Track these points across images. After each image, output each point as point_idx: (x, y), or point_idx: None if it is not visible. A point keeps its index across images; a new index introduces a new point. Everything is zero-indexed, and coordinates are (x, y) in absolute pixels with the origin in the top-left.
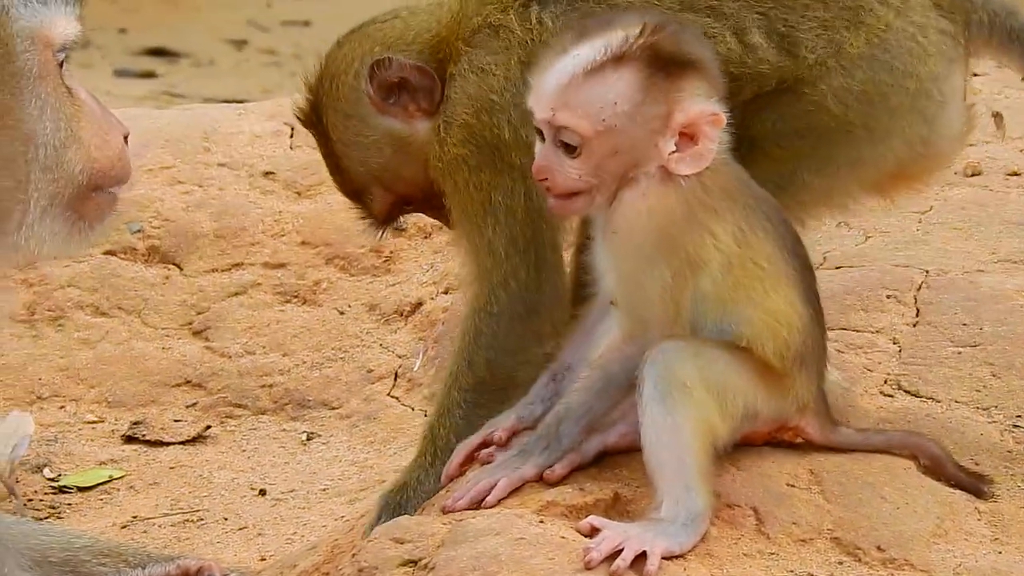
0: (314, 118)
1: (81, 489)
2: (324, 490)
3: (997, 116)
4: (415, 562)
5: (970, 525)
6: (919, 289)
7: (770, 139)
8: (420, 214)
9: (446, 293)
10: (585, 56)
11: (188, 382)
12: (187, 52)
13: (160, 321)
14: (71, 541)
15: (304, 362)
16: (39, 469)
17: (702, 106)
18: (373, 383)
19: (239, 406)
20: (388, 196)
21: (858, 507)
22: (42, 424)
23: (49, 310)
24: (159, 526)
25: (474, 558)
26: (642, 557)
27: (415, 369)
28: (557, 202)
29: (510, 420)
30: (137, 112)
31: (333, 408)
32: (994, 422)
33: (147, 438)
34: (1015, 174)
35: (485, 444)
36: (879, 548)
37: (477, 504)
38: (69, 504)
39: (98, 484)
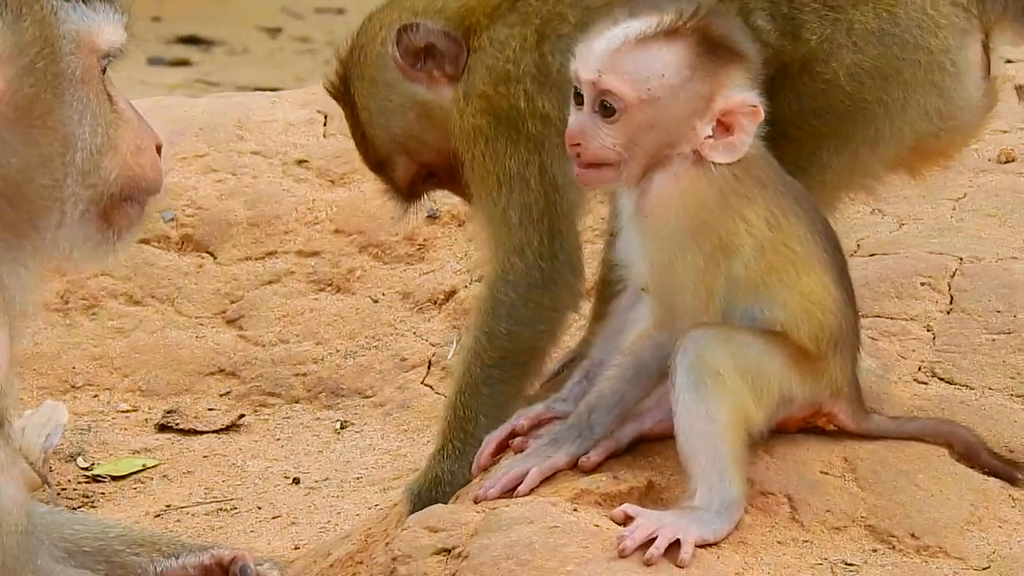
0: (343, 88)
1: (115, 478)
2: (358, 479)
3: (1020, 89)
4: (449, 550)
5: (1004, 512)
6: (953, 276)
7: (788, 121)
8: (449, 197)
9: (479, 281)
10: (638, 26)
11: (222, 371)
12: (221, 40)
13: (194, 310)
14: (105, 531)
15: (338, 351)
16: (72, 458)
17: (744, 96)
18: (407, 371)
19: (273, 395)
20: (411, 165)
21: (892, 494)
22: (76, 413)
23: (83, 299)
24: (192, 515)
25: (508, 546)
26: (676, 545)
27: (449, 357)
28: (584, 171)
29: (538, 408)
30: (171, 100)
31: (367, 396)
32: None
33: (181, 427)
34: None
35: (515, 434)
36: (913, 535)
37: (509, 493)
38: (102, 493)
39: (131, 473)
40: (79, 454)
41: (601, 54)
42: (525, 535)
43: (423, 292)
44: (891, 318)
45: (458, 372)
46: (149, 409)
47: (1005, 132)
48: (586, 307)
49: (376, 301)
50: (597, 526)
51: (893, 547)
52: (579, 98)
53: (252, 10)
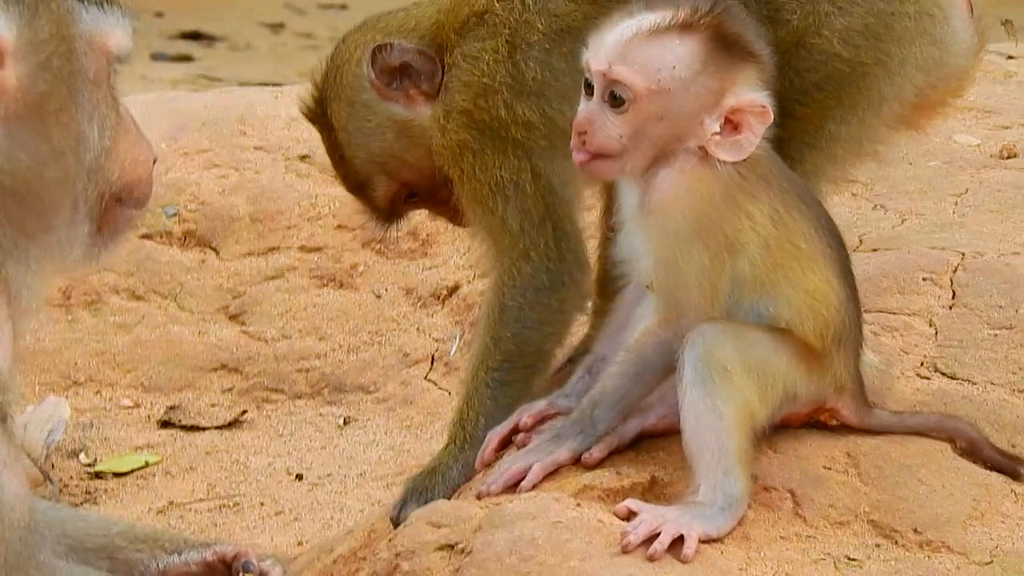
0: (319, 111)
1: (117, 474)
2: (361, 474)
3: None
4: (452, 546)
5: (1007, 507)
6: (955, 271)
7: (791, 99)
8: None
9: (483, 276)
10: (652, 19)
11: (224, 367)
12: (223, 36)
13: (196, 305)
14: (107, 527)
15: (340, 346)
16: (75, 454)
17: (754, 96)
18: (410, 367)
19: (275, 390)
20: (391, 185)
21: (895, 489)
22: (78, 409)
23: (85, 294)
24: (195, 511)
25: (511, 542)
26: (679, 541)
27: (452, 353)
28: (588, 161)
29: (541, 404)
30: (173, 95)
31: (370, 392)
32: None
33: (183, 423)
34: None
35: (517, 430)
36: (916, 530)
37: (511, 488)
38: (105, 490)
39: (134, 469)
40: (81, 450)
41: (613, 45)
42: (528, 531)
43: (426, 287)
44: (893, 313)
45: (465, 377)
46: (151, 405)
47: (1007, 128)
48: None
49: (379, 296)
50: (600, 522)
51: (896, 542)
52: (589, 89)
53: (255, 6)
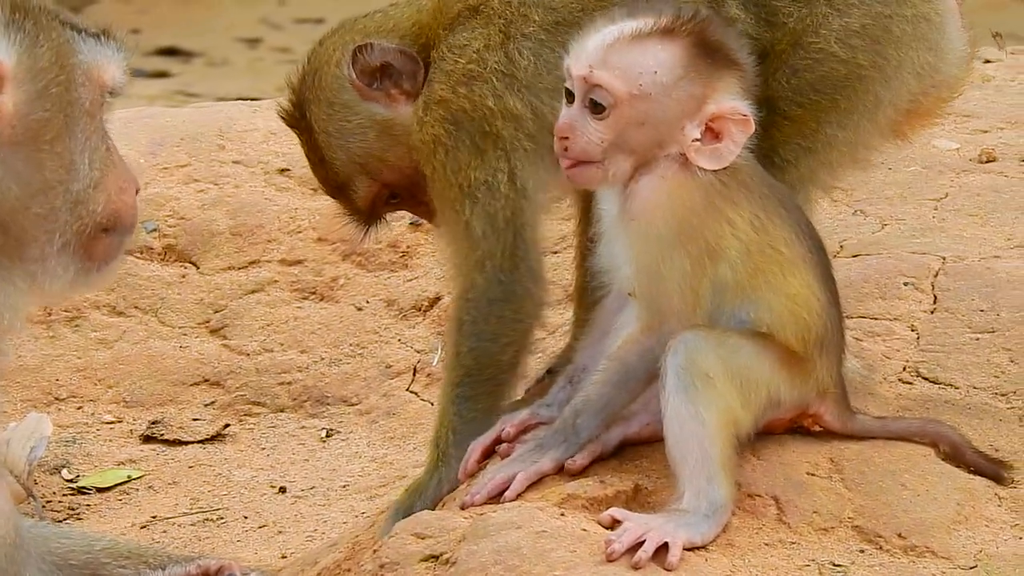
0: (297, 115)
1: (100, 490)
2: (344, 487)
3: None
4: (436, 557)
5: (990, 511)
6: (936, 276)
7: (788, 99)
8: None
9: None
10: (633, 24)
11: (206, 380)
12: (201, 51)
13: (177, 320)
14: (91, 543)
15: (322, 359)
16: (57, 470)
17: (735, 104)
18: (392, 379)
19: (257, 404)
20: (372, 185)
21: (878, 495)
22: (60, 425)
23: (66, 311)
24: (179, 526)
25: (495, 552)
26: (664, 548)
27: (434, 364)
28: (571, 170)
29: (523, 414)
30: (152, 111)
31: (352, 404)
32: (1012, 408)
33: (165, 437)
34: None
35: (500, 440)
36: (900, 535)
37: (495, 498)
38: (88, 505)
39: (117, 484)
40: (64, 466)
41: (594, 50)
42: (512, 540)
43: (407, 299)
44: (875, 318)
45: (439, 393)
46: (134, 420)
47: (986, 132)
48: (552, 316)
49: (360, 309)
50: (584, 530)
51: (880, 547)
52: (570, 95)
53: (231, 21)
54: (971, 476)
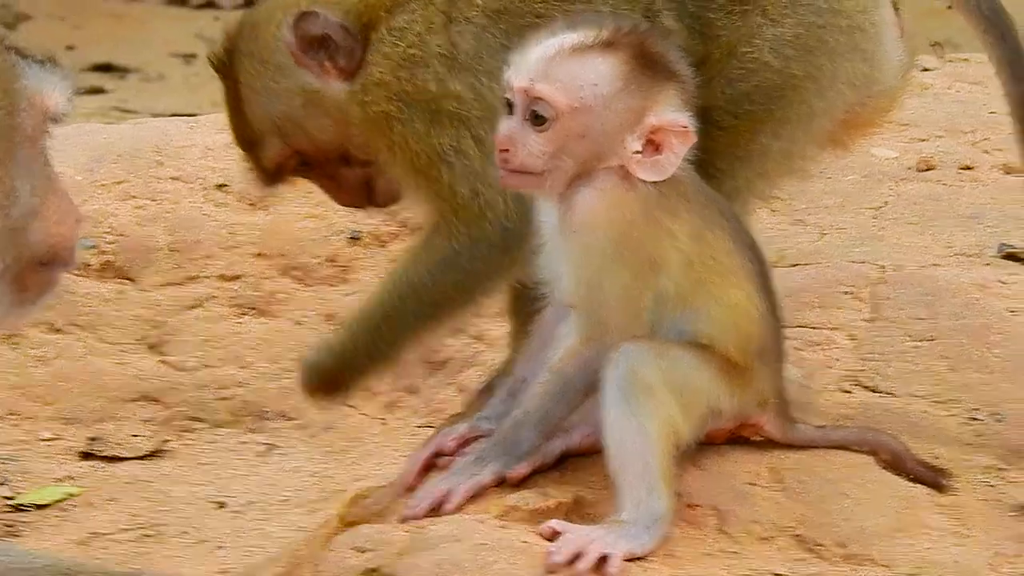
0: (227, 63)
1: (39, 507)
2: (284, 501)
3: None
4: (376, 570)
5: (931, 519)
6: (875, 285)
7: (723, 109)
8: (370, 219)
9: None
10: (574, 37)
11: (145, 397)
12: (136, 67)
13: (116, 336)
14: (31, 561)
15: (262, 374)
16: None
17: (675, 116)
18: None
19: (197, 419)
20: (284, 149)
21: (819, 504)
22: None
23: (3, 328)
24: (118, 542)
25: (436, 565)
26: (604, 560)
27: None
28: (510, 176)
29: (462, 428)
30: (89, 127)
31: (291, 419)
32: (952, 415)
33: (104, 454)
34: (968, 168)
35: (440, 453)
36: (840, 544)
37: (435, 511)
38: (27, 522)
39: (56, 501)
40: (2, 483)
41: (535, 62)
42: (453, 553)
43: (346, 314)
44: (814, 328)
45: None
46: (72, 437)
47: (924, 140)
48: (492, 329)
49: (299, 324)
50: (525, 542)
51: (821, 556)
52: (510, 107)
53: (166, 37)
54: (911, 484)
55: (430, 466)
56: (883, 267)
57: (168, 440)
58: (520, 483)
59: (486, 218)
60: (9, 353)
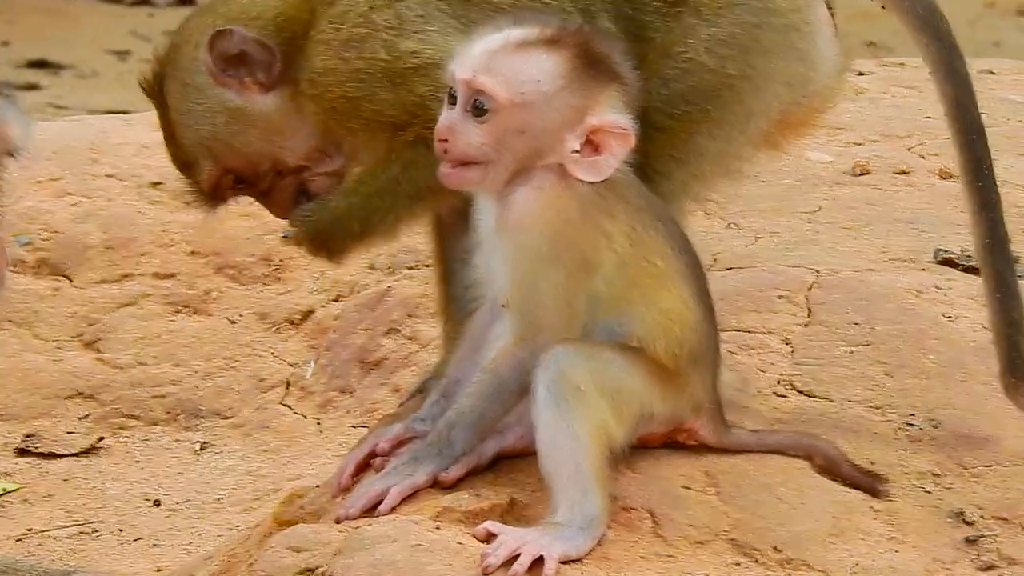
0: (156, 87)
1: None
2: (219, 500)
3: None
4: (312, 570)
5: (866, 524)
6: (810, 289)
7: (659, 110)
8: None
9: (336, 301)
10: (519, 33)
11: (80, 394)
12: (70, 64)
13: (51, 333)
14: None
15: (196, 372)
16: None
17: (616, 118)
18: (265, 392)
19: (132, 417)
20: (216, 169)
21: (754, 508)
22: None
23: None
24: (54, 539)
25: (371, 565)
26: (539, 562)
27: (307, 377)
28: (449, 171)
29: (398, 429)
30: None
31: (226, 417)
32: (888, 421)
33: (40, 451)
34: (903, 172)
35: (375, 454)
36: (776, 548)
37: (369, 512)
38: None
39: None
40: None
41: (479, 55)
42: (388, 554)
43: (280, 313)
44: (749, 332)
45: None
46: (8, 433)
47: (859, 144)
48: (426, 330)
49: (233, 322)
50: (460, 544)
51: (756, 560)
52: (452, 99)
53: (101, 33)
54: (847, 489)
55: (364, 466)
56: (818, 271)
57: (103, 437)
58: (454, 484)
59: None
60: None
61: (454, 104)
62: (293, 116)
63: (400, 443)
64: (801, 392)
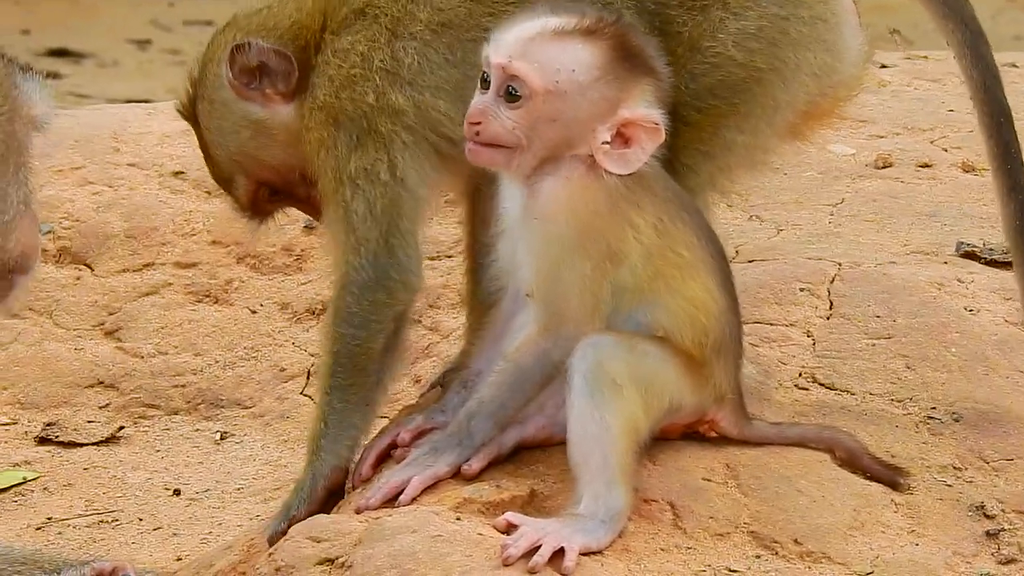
0: (190, 109)
1: None
2: (239, 489)
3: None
4: (332, 560)
5: (886, 517)
6: (832, 282)
7: (687, 104)
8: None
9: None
10: (557, 21)
11: (101, 383)
12: (91, 53)
13: (72, 322)
14: None
15: (216, 361)
16: None
17: (648, 112)
18: (286, 382)
19: (152, 406)
20: (250, 183)
21: (775, 500)
22: None
23: None
24: (74, 528)
25: (391, 556)
26: (560, 553)
27: None
28: (478, 148)
29: (419, 420)
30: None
31: (246, 407)
32: (909, 414)
33: (60, 439)
34: (926, 166)
35: (395, 445)
36: (796, 541)
37: (390, 502)
38: None
39: (12, 486)
40: None
41: (515, 41)
42: (408, 544)
43: (301, 302)
44: (771, 324)
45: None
46: (28, 422)
47: (881, 137)
48: (447, 321)
49: (254, 312)
50: (480, 535)
51: (776, 553)
52: (485, 83)
53: (121, 22)
54: (867, 482)
55: (385, 457)
56: (840, 264)
57: (124, 427)
58: (476, 476)
59: (359, 253)
60: None
61: (487, 88)
62: None
63: (421, 434)
64: (822, 385)
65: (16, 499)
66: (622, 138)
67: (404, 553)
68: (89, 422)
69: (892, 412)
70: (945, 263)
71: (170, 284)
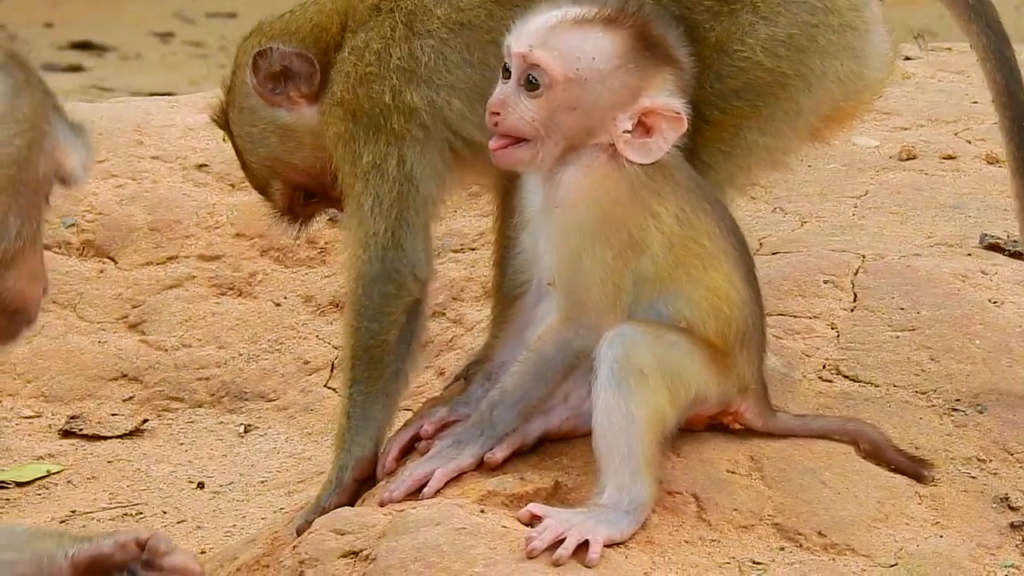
0: (224, 118)
1: (19, 484)
2: (263, 482)
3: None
4: (356, 553)
5: (911, 509)
6: (856, 274)
7: (710, 104)
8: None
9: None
10: (577, 10)
11: (124, 376)
12: (114, 45)
13: (95, 315)
14: (11, 533)
15: (240, 354)
16: None
17: (669, 100)
18: (310, 374)
19: (176, 399)
20: (284, 187)
21: (799, 493)
22: None
23: None
24: (98, 520)
25: (415, 548)
26: (584, 545)
27: None
28: (500, 148)
29: (442, 412)
30: (68, 105)
31: (270, 400)
32: (933, 406)
33: (84, 432)
34: (950, 158)
35: (419, 437)
36: (820, 533)
37: (413, 495)
38: (7, 499)
39: (36, 479)
40: None
41: (536, 30)
42: (432, 537)
43: (325, 295)
44: (795, 316)
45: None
46: (52, 415)
47: (905, 129)
48: (471, 313)
49: (278, 304)
50: (505, 527)
51: (800, 545)
52: (507, 73)
53: (144, 15)
54: (892, 474)
55: (409, 449)
56: (864, 256)
57: (147, 420)
58: (500, 465)
59: (368, 247)
60: None
61: (508, 78)
62: None
63: (444, 426)
64: (846, 377)
65: (40, 492)
66: (643, 127)
67: (428, 546)
68: (113, 415)
69: (916, 404)
70: (969, 255)
71: (194, 277)
